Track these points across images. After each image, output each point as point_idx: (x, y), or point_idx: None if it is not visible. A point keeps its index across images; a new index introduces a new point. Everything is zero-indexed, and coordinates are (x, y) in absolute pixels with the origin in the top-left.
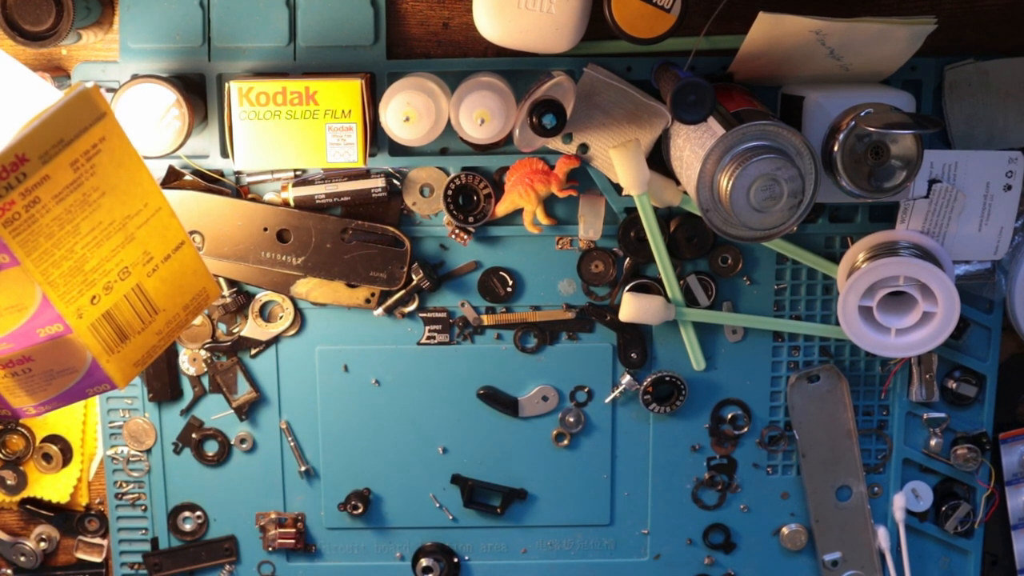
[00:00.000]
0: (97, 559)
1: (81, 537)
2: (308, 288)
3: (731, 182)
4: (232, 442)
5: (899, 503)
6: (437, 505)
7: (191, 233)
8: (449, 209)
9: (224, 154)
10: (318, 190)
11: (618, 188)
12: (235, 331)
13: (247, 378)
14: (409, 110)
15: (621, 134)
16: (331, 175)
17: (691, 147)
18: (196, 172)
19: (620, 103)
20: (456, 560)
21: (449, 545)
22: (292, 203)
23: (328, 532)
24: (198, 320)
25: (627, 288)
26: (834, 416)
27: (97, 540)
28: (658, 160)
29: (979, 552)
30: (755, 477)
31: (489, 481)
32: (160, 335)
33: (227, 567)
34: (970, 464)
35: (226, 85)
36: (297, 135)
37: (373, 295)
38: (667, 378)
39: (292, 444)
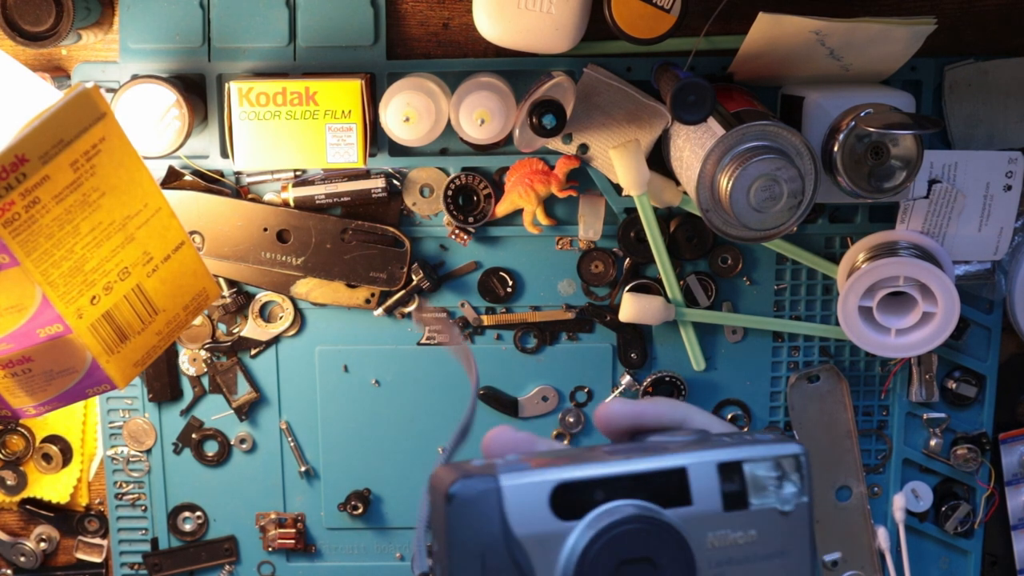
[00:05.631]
0: (97, 559)
1: (81, 537)
2: (308, 288)
3: (731, 182)
4: (232, 442)
5: (899, 503)
6: None
7: (191, 233)
8: (449, 209)
9: (224, 154)
10: (318, 190)
11: (618, 188)
12: (235, 331)
13: (247, 378)
14: (409, 110)
15: (621, 134)
16: (331, 175)
17: (691, 147)
18: (196, 172)
19: (620, 103)
20: None
21: None
22: (292, 203)
23: (328, 532)
24: (198, 320)
25: (627, 288)
26: (834, 416)
27: (97, 540)
28: (658, 160)
29: (979, 552)
30: None
31: None
32: (160, 335)
33: (227, 567)
34: (970, 464)
35: (226, 85)
36: (297, 135)
37: (373, 295)
38: (667, 378)
39: (292, 444)
